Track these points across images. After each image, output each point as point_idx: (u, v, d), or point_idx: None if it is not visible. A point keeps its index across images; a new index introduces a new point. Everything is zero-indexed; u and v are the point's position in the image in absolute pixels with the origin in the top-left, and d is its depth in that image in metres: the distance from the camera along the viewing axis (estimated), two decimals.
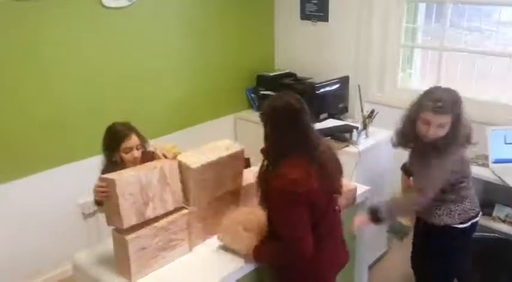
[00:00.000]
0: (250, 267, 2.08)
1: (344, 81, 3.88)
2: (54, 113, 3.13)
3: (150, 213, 1.94)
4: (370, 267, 3.27)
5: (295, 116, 1.85)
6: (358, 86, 3.26)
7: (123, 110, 3.30)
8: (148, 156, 2.26)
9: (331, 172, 1.95)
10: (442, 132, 2.26)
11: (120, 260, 1.96)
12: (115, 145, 2.33)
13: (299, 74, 4.25)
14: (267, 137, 1.91)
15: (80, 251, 2.20)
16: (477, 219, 2.49)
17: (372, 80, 3.90)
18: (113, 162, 2.35)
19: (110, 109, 3.32)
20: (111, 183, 1.83)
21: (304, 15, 4.16)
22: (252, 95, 4.33)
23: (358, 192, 2.56)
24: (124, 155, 2.32)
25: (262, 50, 4.41)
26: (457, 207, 2.41)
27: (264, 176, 1.93)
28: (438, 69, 3.62)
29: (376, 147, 3.13)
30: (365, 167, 3.01)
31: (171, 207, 2.03)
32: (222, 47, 4.05)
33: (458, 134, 2.28)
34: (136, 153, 2.34)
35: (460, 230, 2.45)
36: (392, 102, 3.53)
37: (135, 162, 2.29)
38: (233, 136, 4.25)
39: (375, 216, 2.37)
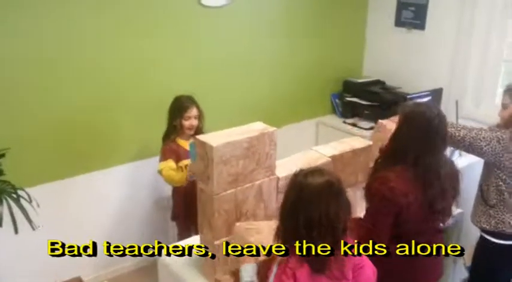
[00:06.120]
0: None
1: (437, 93, 3.69)
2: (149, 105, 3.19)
3: None
4: None
5: (430, 126, 1.89)
6: (456, 101, 3.09)
7: (206, 105, 3.30)
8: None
9: (441, 190, 1.93)
10: (503, 113, 2.37)
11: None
12: (178, 112, 2.81)
13: (388, 83, 4.12)
14: (394, 136, 1.97)
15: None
16: None
17: (467, 95, 3.69)
18: (173, 126, 2.84)
19: None
20: (209, 198, 1.83)
21: (399, 22, 4.01)
22: (337, 101, 4.24)
23: None
24: (184, 122, 2.81)
25: (351, 55, 4.31)
26: (496, 215, 2.29)
27: (372, 173, 2.02)
28: None
29: (470, 168, 2.92)
30: None
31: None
32: (310, 50, 3.99)
33: None
34: (194, 122, 2.83)
35: (496, 246, 2.32)
36: (488, 119, 3.31)
37: (191, 129, 2.81)
38: (314, 141, 4.18)
39: None
